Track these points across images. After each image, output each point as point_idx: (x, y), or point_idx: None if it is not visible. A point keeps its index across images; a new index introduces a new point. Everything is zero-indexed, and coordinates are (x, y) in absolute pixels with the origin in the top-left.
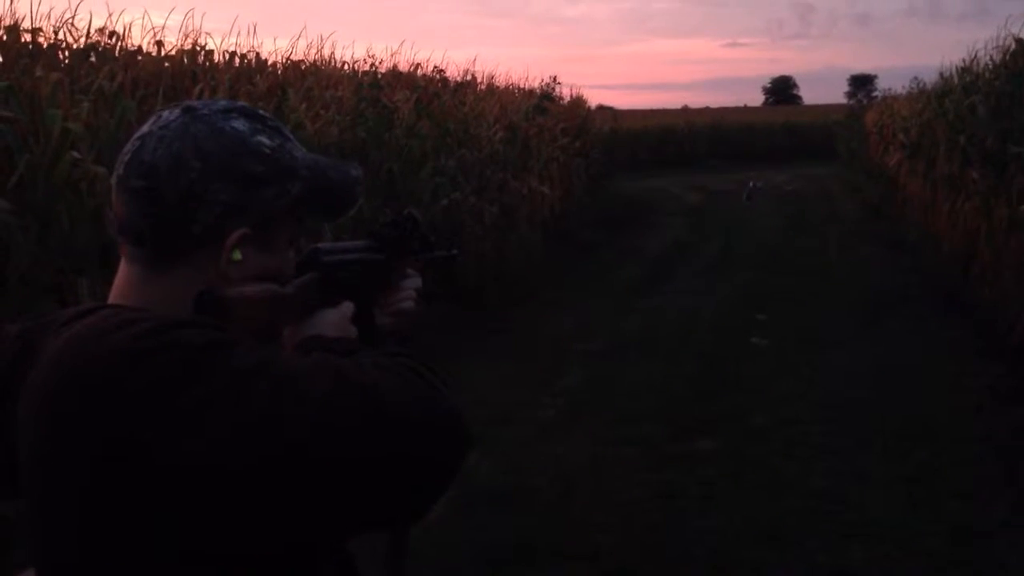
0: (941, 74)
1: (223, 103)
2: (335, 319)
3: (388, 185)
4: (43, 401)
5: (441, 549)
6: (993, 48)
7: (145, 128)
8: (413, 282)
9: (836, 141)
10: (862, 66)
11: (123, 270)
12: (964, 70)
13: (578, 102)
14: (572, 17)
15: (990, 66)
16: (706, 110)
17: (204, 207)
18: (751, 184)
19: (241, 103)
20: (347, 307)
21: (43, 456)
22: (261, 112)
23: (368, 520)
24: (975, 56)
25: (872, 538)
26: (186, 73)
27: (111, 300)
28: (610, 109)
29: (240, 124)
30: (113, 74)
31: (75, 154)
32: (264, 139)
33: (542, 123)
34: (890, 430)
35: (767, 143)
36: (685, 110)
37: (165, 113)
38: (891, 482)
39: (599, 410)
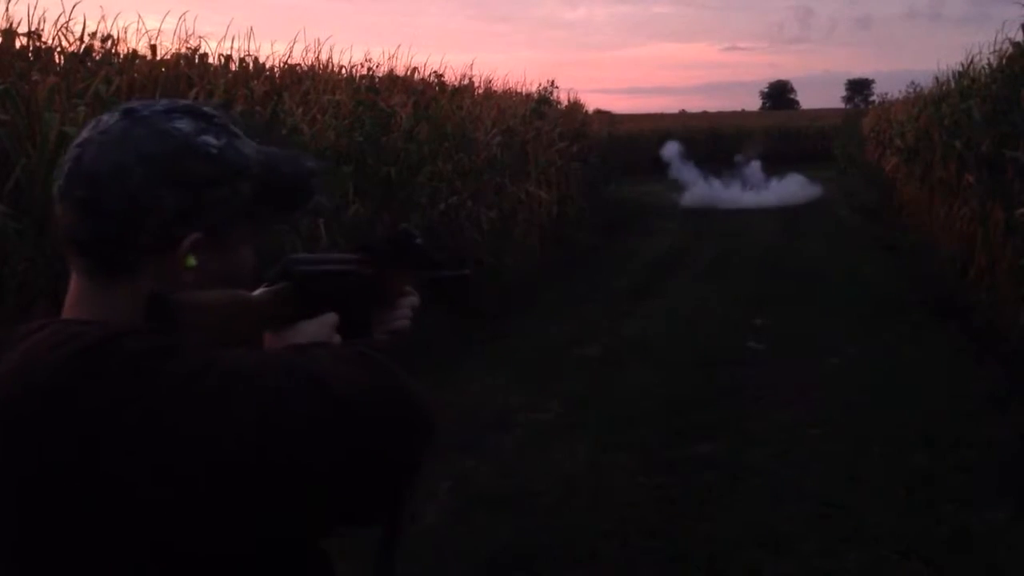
0: (937, 78)
1: (165, 103)
2: (314, 329)
3: (385, 190)
4: None
5: (440, 554)
6: (990, 52)
7: (85, 134)
8: (410, 301)
9: (833, 146)
10: (861, 70)
11: (74, 283)
12: (961, 74)
13: (576, 106)
14: (571, 21)
15: (987, 70)
16: (703, 115)
17: (151, 215)
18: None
19: (185, 101)
20: (330, 317)
21: None
22: (206, 109)
23: (335, 516)
24: (972, 60)
25: (869, 543)
26: (182, 77)
27: (64, 315)
28: (608, 113)
29: (184, 124)
30: (109, 78)
31: None
32: (210, 138)
33: (540, 127)
34: (887, 435)
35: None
36: (682, 114)
37: (105, 117)
38: (888, 487)
39: (597, 415)
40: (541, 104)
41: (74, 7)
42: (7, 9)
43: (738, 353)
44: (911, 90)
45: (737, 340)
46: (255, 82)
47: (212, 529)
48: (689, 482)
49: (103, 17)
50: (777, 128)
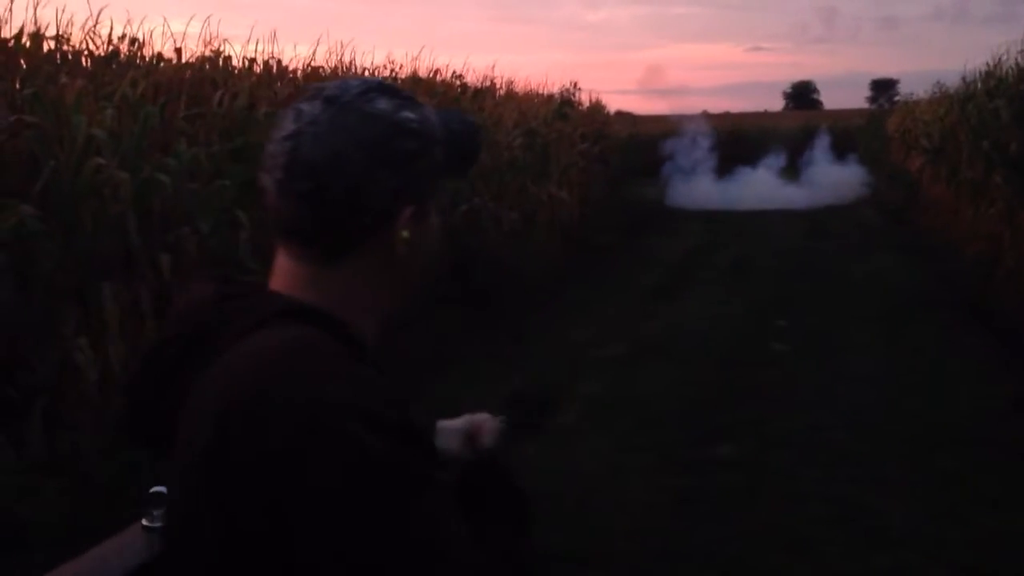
0: (964, 78)
1: (356, 84)
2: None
3: None
4: (209, 417)
5: None
6: (1017, 52)
7: (291, 126)
8: (495, 424)
9: (857, 146)
10: (885, 70)
11: (289, 268)
12: (988, 74)
13: (597, 107)
14: (594, 22)
15: (1014, 70)
16: (726, 115)
17: (373, 196)
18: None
19: (374, 79)
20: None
21: (195, 460)
22: (392, 84)
23: None
24: (999, 60)
25: (894, 546)
26: (206, 80)
27: (276, 289)
28: (629, 115)
29: (383, 103)
30: (135, 81)
31: (99, 160)
32: (409, 113)
33: (561, 129)
34: (912, 437)
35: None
36: (704, 115)
37: (305, 107)
38: (913, 489)
39: (617, 416)
40: (564, 106)
41: (101, 11)
42: (35, 13)
43: (761, 354)
44: (937, 90)
45: (760, 341)
46: (279, 84)
47: None
48: (710, 484)
49: (129, 20)
50: (800, 128)
